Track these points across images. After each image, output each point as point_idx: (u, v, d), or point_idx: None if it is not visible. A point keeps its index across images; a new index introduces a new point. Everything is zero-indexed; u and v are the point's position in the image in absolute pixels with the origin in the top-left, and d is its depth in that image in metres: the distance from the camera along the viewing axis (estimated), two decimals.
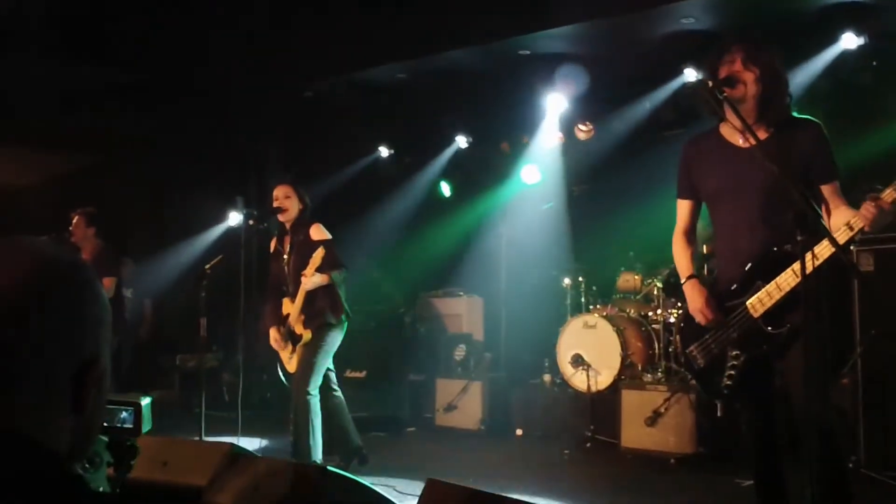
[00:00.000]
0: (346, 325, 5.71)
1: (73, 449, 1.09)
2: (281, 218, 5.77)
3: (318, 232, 5.65)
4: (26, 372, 1.03)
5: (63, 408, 1.06)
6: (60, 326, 1.05)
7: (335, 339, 5.67)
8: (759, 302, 3.36)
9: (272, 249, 5.91)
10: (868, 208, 3.09)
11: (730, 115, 3.26)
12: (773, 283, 3.31)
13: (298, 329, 5.58)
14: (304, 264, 5.46)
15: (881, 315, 5.51)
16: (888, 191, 3.13)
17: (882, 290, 5.49)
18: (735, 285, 3.45)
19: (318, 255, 5.41)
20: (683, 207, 3.73)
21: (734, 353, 3.46)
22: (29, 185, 10.59)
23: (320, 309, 5.58)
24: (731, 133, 3.47)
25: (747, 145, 3.37)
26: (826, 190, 3.37)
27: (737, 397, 3.60)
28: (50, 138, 9.52)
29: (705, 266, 7.32)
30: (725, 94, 3.17)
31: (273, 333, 5.71)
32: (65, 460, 1.06)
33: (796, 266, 3.10)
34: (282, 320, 5.70)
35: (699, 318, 3.51)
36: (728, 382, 3.47)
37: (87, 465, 2.07)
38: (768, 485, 3.62)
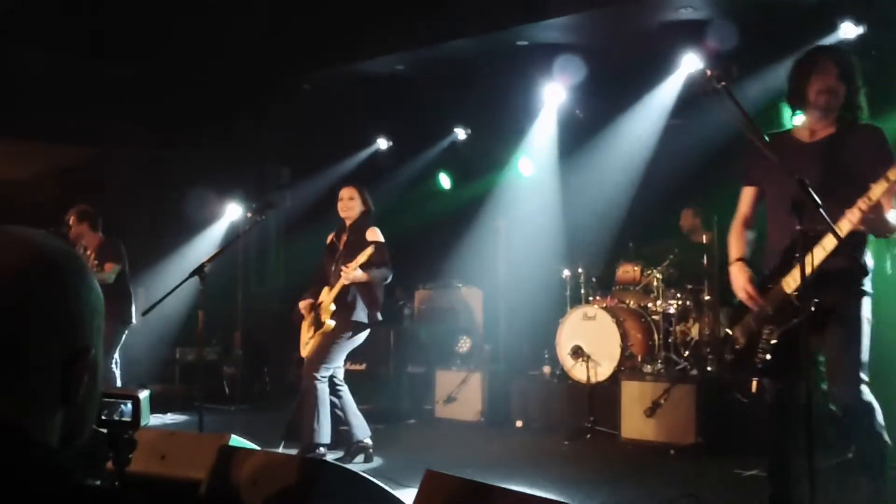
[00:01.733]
0: (368, 329, 5.93)
1: (65, 439, 1.08)
2: (342, 215, 6.07)
3: (372, 234, 5.94)
4: (16, 361, 1.02)
5: (54, 398, 1.06)
6: (52, 316, 1.05)
7: (357, 338, 5.90)
8: (792, 278, 3.55)
9: (328, 241, 6.20)
10: (852, 212, 3.28)
11: (812, 116, 3.68)
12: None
13: (324, 317, 5.79)
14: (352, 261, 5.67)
15: (877, 308, 5.49)
16: (873, 191, 3.26)
17: (881, 281, 5.48)
18: (775, 268, 3.70)
19: (367, 251, 5.64)
20: (747, 194, 3.99)
21: (768, 329, 3.67)
22: (28, 178, 10.56)
23: (352, 304, 5.80)
24: (800, 130, 3.78)
25: (811, 141, 3.69)
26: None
27: (770, 372, 3.77)
28: (49, 132, 9.49)
29: (704, 256, 7.32)
30: (724, 84, 3.18)
31: (304, 303, 6.01)
32: (57, 451, 1.05)
33: (825, 241, 3.37)
34: (315, 305, 5.95)
35: (742, 296, 3.74)
36: (762, 356, 3.68)
37: (84, 458, 2.06)
38: (781, 460, 3.74)
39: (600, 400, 7.03)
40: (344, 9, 7.98)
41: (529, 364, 8.35)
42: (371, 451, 6.04)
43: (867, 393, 3.53)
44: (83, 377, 1.08)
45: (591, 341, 7.26)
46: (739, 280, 3.76)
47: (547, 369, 7.86)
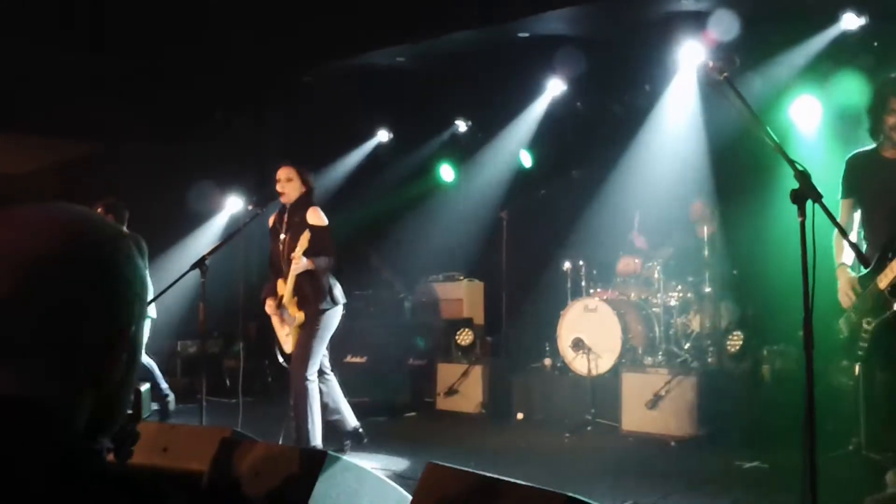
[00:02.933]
0: (340, 309, 5.73)
1: (101, 420, 1.07)
2: (283, 200, 5.76)
3: (314, 216, 5.63)
4: (57, 340, 1.01)
5: (92, 377, 1.05)
6: (95, 294, 1.04)
7: (330, 322, 5.69)
8: (884, 276, 4.02)
9: (270, 225, 5.90)
10: None
11: (889, 142, 4.20)
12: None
13: (293, 311, 5.61)
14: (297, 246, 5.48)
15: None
16: None
17: None
18: (872, 266, 4.12)
19: (304, 238, 5.42)
20: (844, 207, 4.45)
21: (867, 320, 4.14)
22: (28, 172, 10.57)
23: (308, 293, 5.59)
24: (885, 148, 4.25)
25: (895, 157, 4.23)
26: None
27: (872, 359, 4.26)
28: (50, 127, 9.49)
29: (706, 248, 7.31)
30: (725, 76, 3.17)
31: (269, 302, 5.74)
32: (86, 432, 1.04)
33: None
34: (278, 298, 5.73)
35: (842, 299, 4.27)
36: (863, 345, 4.16)
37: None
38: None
39: (601, 392, 7.04)
40: (344, 1, 7.96)
41: (531, 356, 8.35)
42: (361, 431, 6.01)
43: None
44: (122, 356, 1.07)
45: (592, 334, 7.26)
46: (841, 283, 4.29)
47: (548, 362, 7.87)
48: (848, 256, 4.38)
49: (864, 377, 5.05)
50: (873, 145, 4.35)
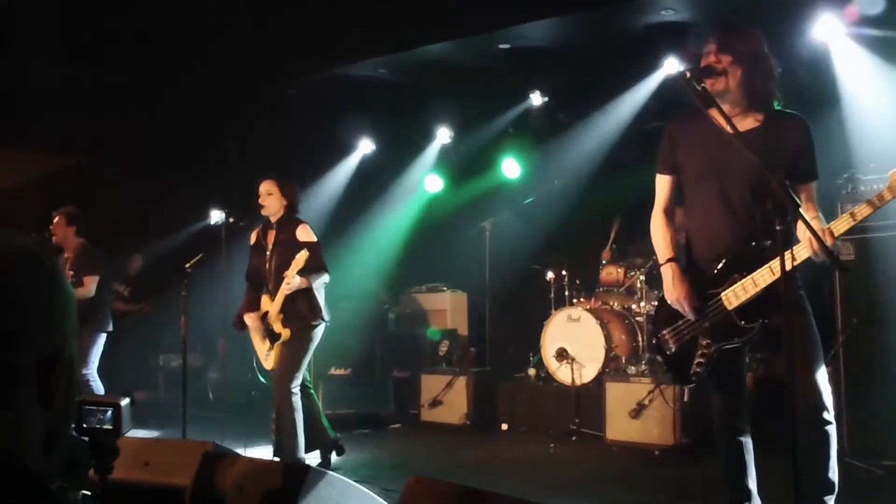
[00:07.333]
0: (324, 326, 5.72)
1: (47, 446, 1.06)
2: (263, 213, 5.72)
3: (304, 233, 5.60)
4: None
5: (32, 404, 1.03)
6: (20, 318, 1.01)
7: (314, 339, 5.67)
8: (735, 295, 3.35)
9: (253, 241, 5.84)
10: (813, 242, 3.04)
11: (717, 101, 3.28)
12: (749, 278, 3.31)
13: (277, 327, 5.55)
14: (287, 263, 5.40)
15: (862, 304, 5.54)
16: (839, 222, 3.14)
17: (862, 279, 5.52)
18: (711, 274, 3.44)
19: (302, 257, 5.36)
20: (663, 183, 3.65)
21: (705, 342, 3.45)
22: (13, 185, 10.49)
23: (299, 309, 5.55)
24: (720, 116, 3.31)
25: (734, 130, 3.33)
26: (802, 190, 3.36)
27: (706, 384, 3.60)
28: (33, 138, 9.44)
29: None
30: (704, 85, 3.16)
31: (252, 315, 5.69)
32: (32, 459, 1.02)
33: (773, 264, 3.16)
34: (260, 314, 5.68)
35: (677, 307, 3.49)
36: (697, 370, 3.48)
37: (65, 471, 2.04)
38: (735, 471, 3.61)
39: (585, 402, 7.05)
40: (327, 14, 7.96)
41: (515, 367, 8.35)
42: (341, 443, 6.01)
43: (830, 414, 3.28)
44: (60, 380, 1.05)
45: (576, 343, 7.27)
46: (677, 290, 3.47)
47: (532, 372, 7.87)
48: (669, 249, 3.59)
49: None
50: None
